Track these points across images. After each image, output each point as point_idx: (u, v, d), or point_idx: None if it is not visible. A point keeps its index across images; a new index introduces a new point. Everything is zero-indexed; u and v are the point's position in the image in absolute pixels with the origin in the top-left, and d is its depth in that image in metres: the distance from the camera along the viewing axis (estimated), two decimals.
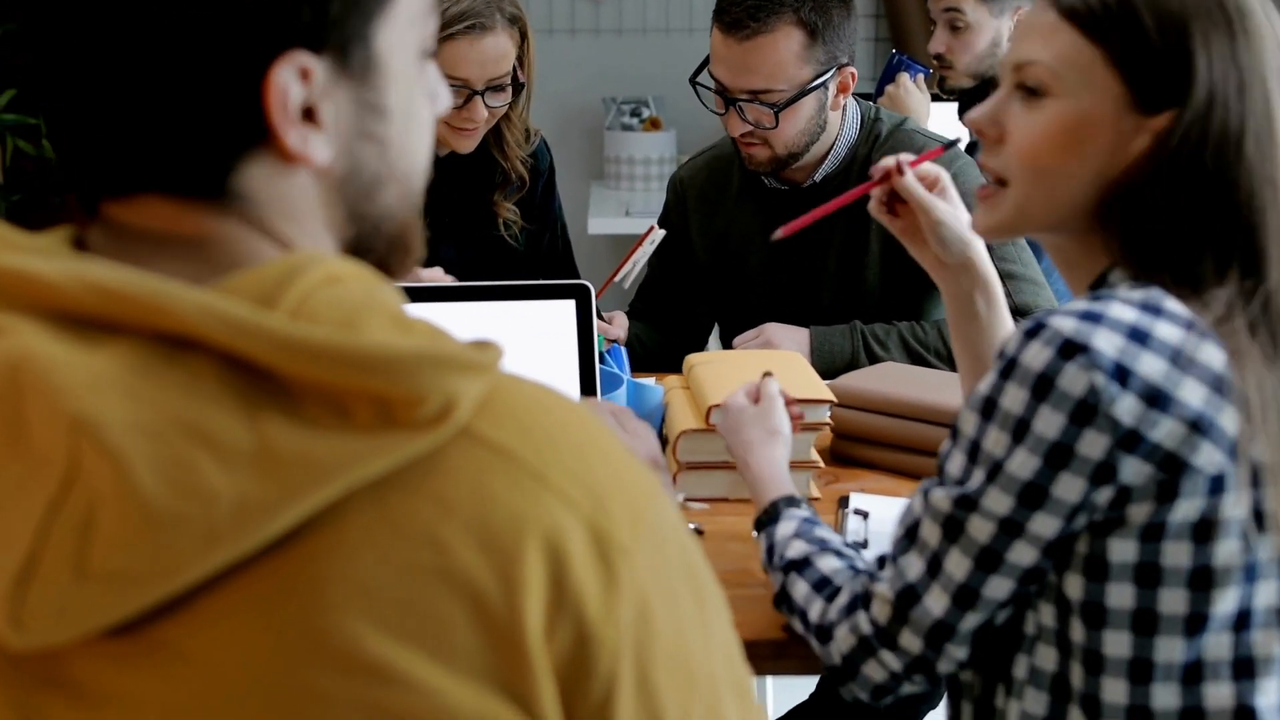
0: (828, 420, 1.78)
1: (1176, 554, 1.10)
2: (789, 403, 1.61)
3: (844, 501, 1.71)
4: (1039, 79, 1.20)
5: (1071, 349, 1.09)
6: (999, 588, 1.15)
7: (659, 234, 2.15)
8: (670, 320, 2.51)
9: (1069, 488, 1.10)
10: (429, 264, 2.32)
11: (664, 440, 1.85)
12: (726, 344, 2.51)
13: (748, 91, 2.20)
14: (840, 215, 2.29)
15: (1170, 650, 1.12)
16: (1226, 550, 1.10)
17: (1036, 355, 1.10)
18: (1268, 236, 1.14)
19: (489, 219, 2.41)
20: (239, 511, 0.68)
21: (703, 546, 1.58)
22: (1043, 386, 1.10)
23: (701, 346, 2.59)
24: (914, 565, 1.19)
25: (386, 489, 0.71)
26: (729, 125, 2.25)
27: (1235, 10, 1.15)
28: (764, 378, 1.64)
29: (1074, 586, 1.13)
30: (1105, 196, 1.18)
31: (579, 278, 2.53)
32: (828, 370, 2.16)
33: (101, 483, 0.68)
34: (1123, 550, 1.11)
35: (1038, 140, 1.20)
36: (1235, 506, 1.09)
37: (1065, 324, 1.10)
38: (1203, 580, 1.10)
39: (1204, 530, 1.10)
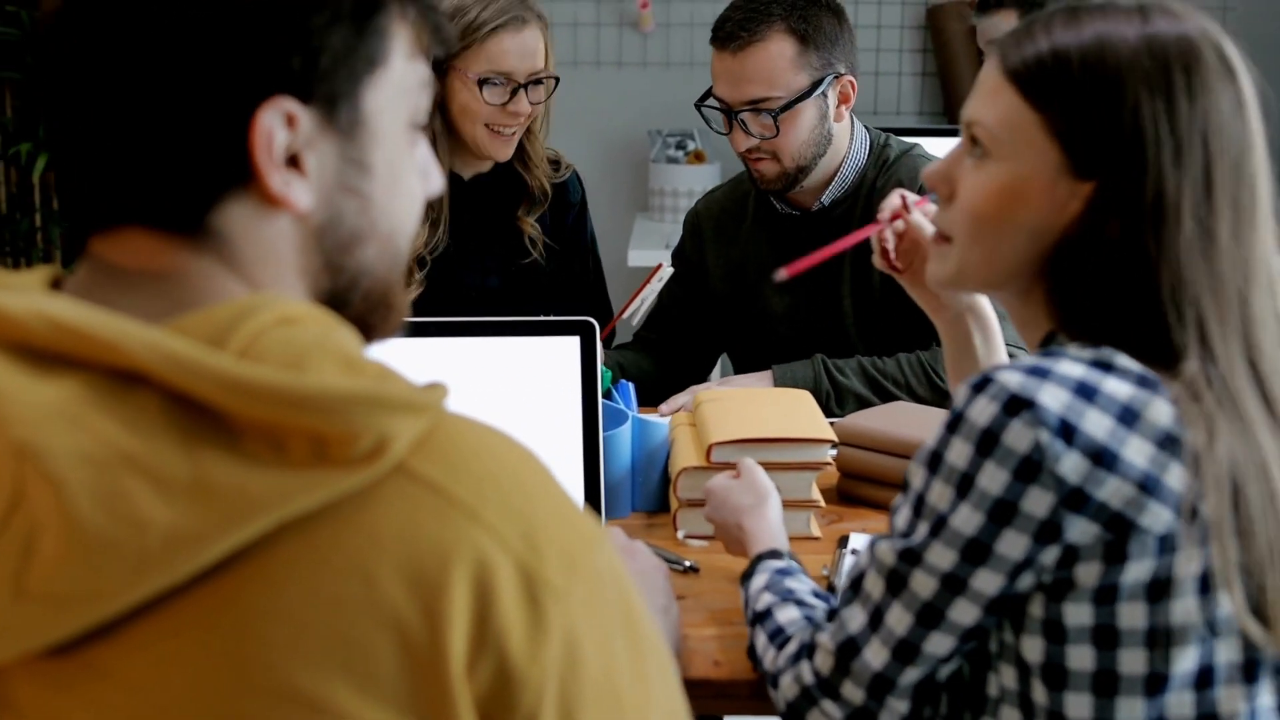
0: (828, 460, 1.78)
1: (1132, 615, 1.09)
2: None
3: (843, 541, 1.71)
4: (981, 139, 1.20)
5: (1017, 405, 1.08)
6: (940, 644, 1.14)
7: (667, 271, 2.17)
8: (677, 352, 2.53)
9: (1012, 545, 1.09)
10: (455, 292, 2.38)
11: (667, 477, 1.86)
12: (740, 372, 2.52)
13: (747, 102, 2.25)
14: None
15: (1131, 711, 1.10)
16: (1182, 608, 1.09)
17: (982, 410, 1.10)
18: (1206, 313, 1.12)
19: (514, 246, 2.45)
20: (171, 540, 0.70)
21: (697, 585, 1.62)
22: (987, 442, 1.09)
23: (704, 379, 2.60)
24: (856, 617, 1.19)
25: (319, 523, 0.73)
26: (735, 142, 2.30)
27: (1180, 68, 1.12)
28: (740, 461, 1.64)
29: (1033, 649, 1.12)
30: (1043, 260, 1.17)
31: (610, 310, 2.56)
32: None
33: (42, 508, 0.71)
34: (1077, 614, 1.10)
35: (979, 200, 1.19)
36: (1188, 564, 1.08)
37: (1011, 379, 1.09)
38: (1160, 639, 1.09)
39: (1158, 589, 1.08)
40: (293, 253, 0.83)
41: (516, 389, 1.75)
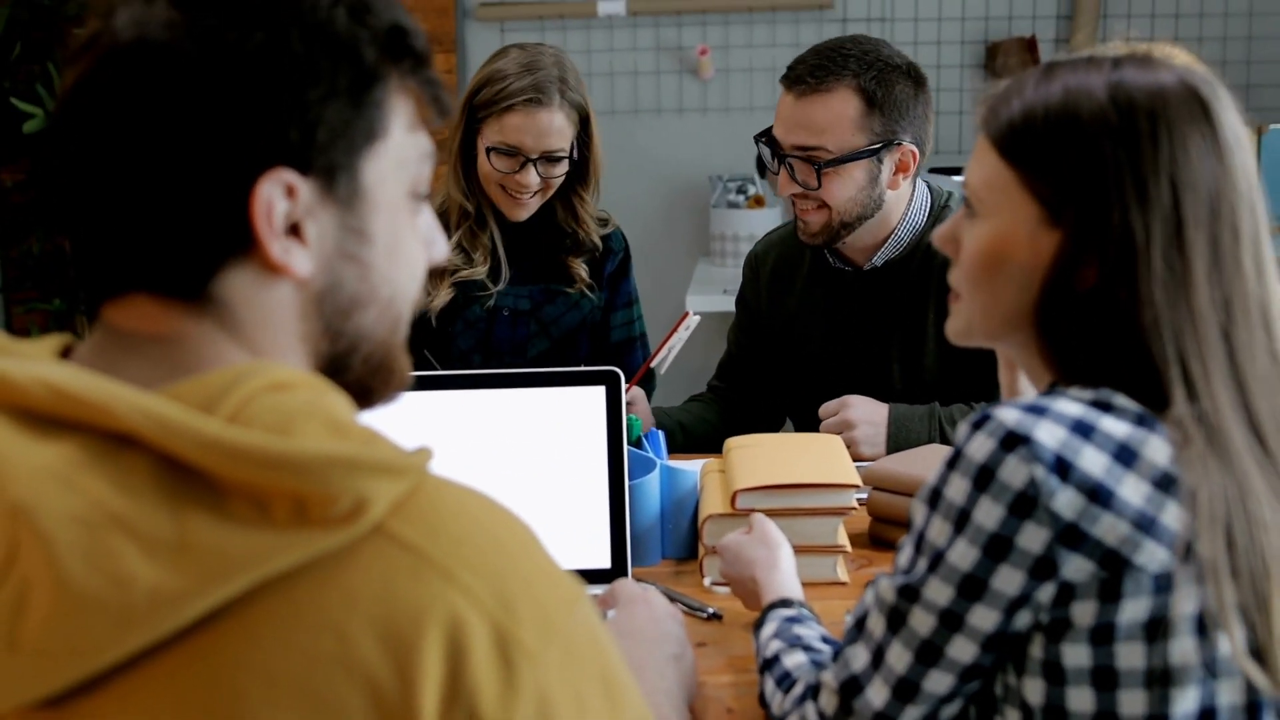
0: (854, 505, 1.78)
1: (1130, 655, 1.09)
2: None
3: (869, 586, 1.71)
4: (970, 199, 1.22)
5: (1013, 440, 1.09)
6: (939, 682, 1.15)
7: (694, 320, 2.18)
8: (748, 399, 2.53)
9: (1008, 580, 1.10)
10: (497, 311, 2.50)
11: (697, 524, 1.87)
12: (798, 426, 2.51)
13: (797, 147, 2.23)
14: (901, 300, 2.31)
15: None
16: (1181, 648, 1.08)
17: (980, 446, 1.11)
18: (1187, 351, 1.12)
19: (555, 279, 2.56)
20: (154, 598, 0.73)
21: (720, 632, 1.63)
22: (984, 477, 1.10)
23: (781, 423, 2.60)
24: (860, 656, 1.20)
25: (297, 581, 0.75)
26: (780, 185, 2.28)
27: (1145, 114, 1.13)
28: (751, 516, 1.66)
29: (1034, 691, 1.12)
30: (1035, 310, 1.18)
31: (647, 355, 2.60)
32: (902, 449, 2.15)
33: (34, 566, 0.74)
34: (1076, 655, 1.10)
35: (972, 257, 1.22)
36: (1184, 604, 1.08)
37: (1009, 416, 1.11)
38: (1160, 680, 1.09)
39: (1155, 629, 1.08)
40: (293, 318, 0.86)
41: (543, 440, 1.77)
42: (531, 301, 2.54)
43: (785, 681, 1.31)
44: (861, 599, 1.61)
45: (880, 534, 1.91)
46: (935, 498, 1.15)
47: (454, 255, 2.47)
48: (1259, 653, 1.09)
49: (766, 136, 2.29)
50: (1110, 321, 1.13)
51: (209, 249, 0.83)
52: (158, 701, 0.75)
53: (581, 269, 2.55)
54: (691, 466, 1.93)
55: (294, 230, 0.83)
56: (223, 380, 0.79)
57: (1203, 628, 1.08)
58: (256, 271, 0.84)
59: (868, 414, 2.23)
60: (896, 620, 1.16)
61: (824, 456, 1.87)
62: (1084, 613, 1.09)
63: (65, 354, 0.87)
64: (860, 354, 2.36)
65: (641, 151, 4.38)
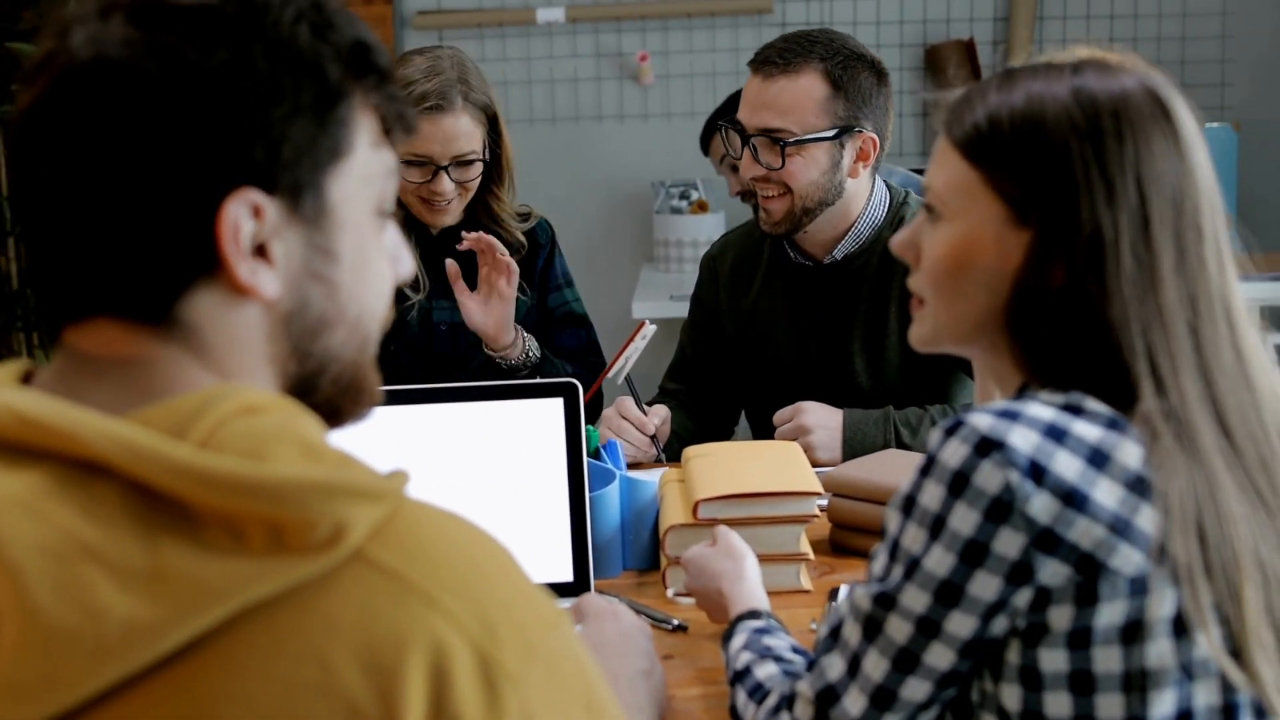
0: (815, 513, 1.78)
1: (1107, 659, 1.09)
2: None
3: (833, 594, 1.71)
4: (933, 203, 1.22)
5: (987, 446, 1.10)
6: (917, 690, 1.15)
7: (650, 329, 2.18)
8: (706, 401, 2.52)
9: (984, 586, 1.10)
10: (425, 329, 2.45)
11: (658, 534, 1.86)
12: (753, 425, 2.51)
13: (761, 129, 2.25)
14: (862, 295, 2.32)
15: None
16: (1158, 651, 1.09)
17: (954, 452, 1.11)
18: (1156, 346, 1.13)
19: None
20: (129, 630, 0.72)
21: (686, 643, 1.62)
22: (959, 483, 1.10)
23: (734, 427, 2.59)
24: (835, 665, 1.19)
25: (277, 609, 0.74)
26: (743, 168, 2.29)
27: (1109, 114, 1.15)
28: (715, 528, 1.66)
29: (1011, 697, 1.12)
30: (1003, 311, 1.19)
31: (597, 347, 2.57)
32: (858, 456, 2.15)
33: (2, 598, 0.72)
34: (1053, 660, 1.10)
35: (936, 261, 1.22)
36: (1160, 606, 1.08)
37: (982, 421, 1.11)
38: (1137, 683, 1.09)
39: (1132, 632, 1.08)
40: (261, 340, 0.84)
41: (501, 453, 1.75)
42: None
43: (758, 693, 1.30)
44: (834, 608, 1.61)
45: (842, 540, 1.91)
46: (910, 505, 1.14)
47: None
48: (1235, 651, 1.10)
49: (733, 121, 2.31)
50: (1080, 320, 1.14)
51: (174, 271, 0.81)
52: None
53: None
54: (650, 477, 1.92)
55: (260, 251, 0.82)
56: (192, 405, 0.77)
57: (1179, 630, 1.09)
58: (223, 293, 0.82)
59: (822, 419, 2.23)
60: (873, 628, 1.16)
61: (784, 464, 1.86)
62: (1060, 617, 1.09)
63: (26, 379, 0.85)
64: (823, 349, 2.37)
65: (583, 158, 4.37)
